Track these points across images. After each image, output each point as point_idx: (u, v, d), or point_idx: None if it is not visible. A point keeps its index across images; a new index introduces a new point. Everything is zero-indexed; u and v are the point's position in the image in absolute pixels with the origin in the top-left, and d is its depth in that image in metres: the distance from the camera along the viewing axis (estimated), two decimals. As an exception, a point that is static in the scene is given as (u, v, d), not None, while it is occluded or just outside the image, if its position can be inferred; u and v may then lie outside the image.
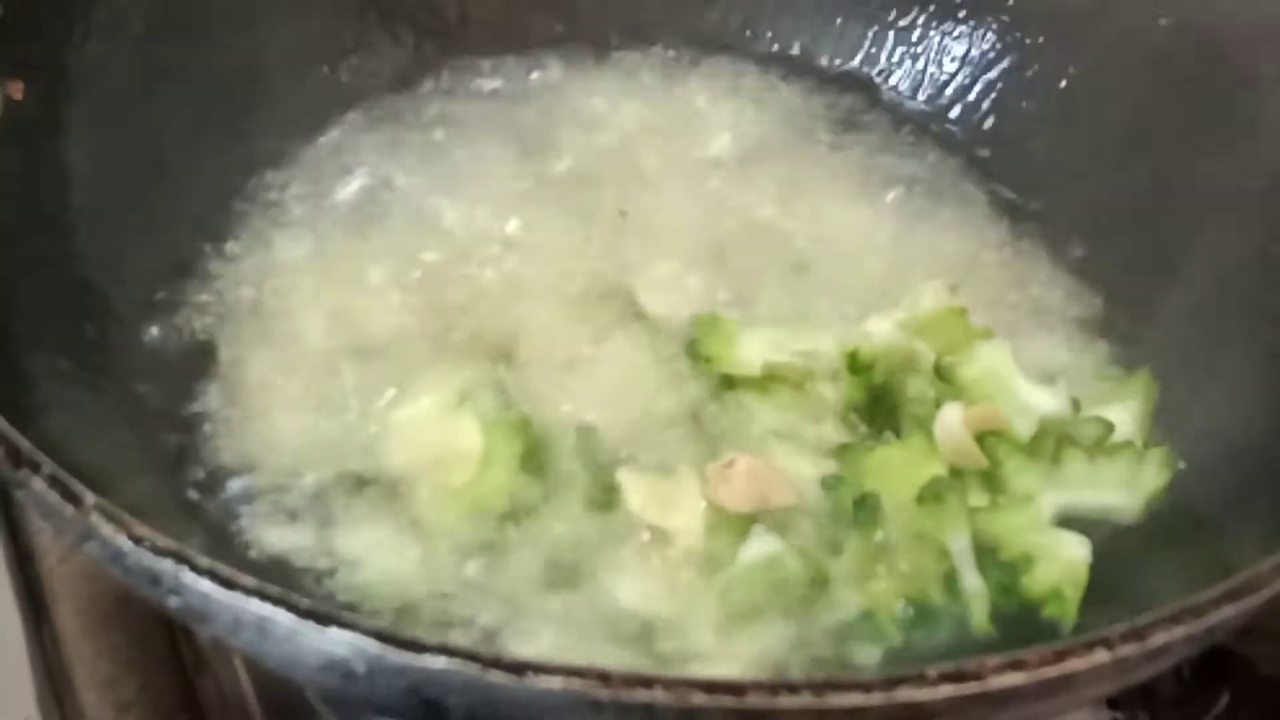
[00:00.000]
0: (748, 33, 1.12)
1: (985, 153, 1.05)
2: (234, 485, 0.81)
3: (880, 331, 0.87)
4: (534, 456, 0.82)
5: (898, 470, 0.80)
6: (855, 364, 0.85)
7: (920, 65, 1.09)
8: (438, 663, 0.54)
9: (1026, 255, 0.99)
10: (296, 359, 0.88)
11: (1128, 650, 0.57)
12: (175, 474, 0.81)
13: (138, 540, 0.58)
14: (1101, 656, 0.56)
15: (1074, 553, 0.77)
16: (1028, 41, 1.05)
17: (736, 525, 0.79)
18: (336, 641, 0.56)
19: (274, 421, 0.85)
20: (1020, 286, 0.97)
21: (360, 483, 0.82)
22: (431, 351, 0.89)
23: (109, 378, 0.81)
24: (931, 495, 0.78)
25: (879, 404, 0.85)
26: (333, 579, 0.78)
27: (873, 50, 1.10)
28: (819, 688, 0.55)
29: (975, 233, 1.00)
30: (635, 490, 0.81)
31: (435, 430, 0.84)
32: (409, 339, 0.90)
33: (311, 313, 0.91)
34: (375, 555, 0.79)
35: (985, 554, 0.77)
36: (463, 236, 0.96)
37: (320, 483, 0.82)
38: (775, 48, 1.12)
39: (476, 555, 0.79)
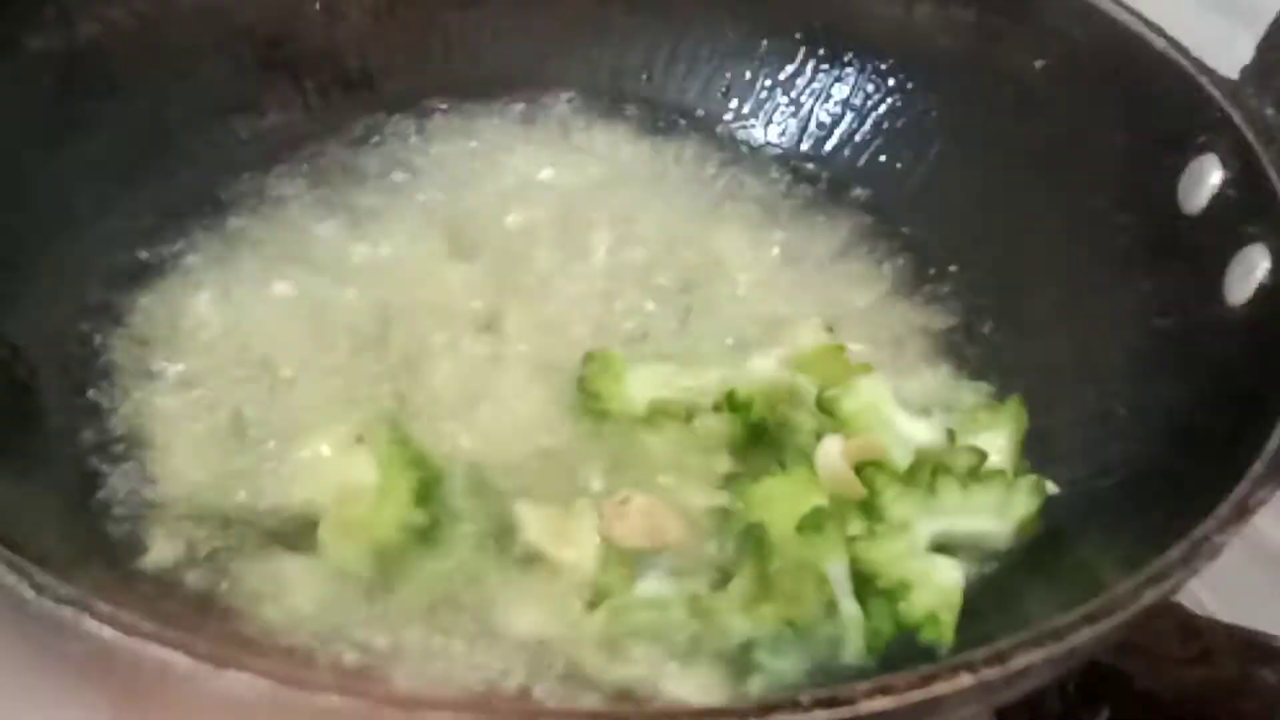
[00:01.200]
0: (643, 79, 1.16)
1: (862, 192, 1.09)
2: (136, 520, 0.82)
3: (762, 368, 0.91)
4: (428, 490, 0.83)
5: (782, 500, 0.83)
6: (734, 403, 0.88)
7: (803, 110, 1.13)
8: (331, 701, 0.56)
9: (901, 291, 1.03)
10: (201, 398, 0.90)
11: (990, 673, 0.60)
12: (79, 515, 0.82)
13: (39, 589, 0.59)
14: (966, 680, 0.59)
15: (948, 578, 0.79)
16: (908, 85, 1.10)
17: (629, 560, 0.82)
18: (235, 682, 0.57)
19: (177, 459, 0.86)
20: (895, 321, 1.01)
21: (262, 519, 0.83)
22: (332, 390, 0.91)
23: (13, 423, 0.82)
24: (811, 524, 0.80)
25: (758, 439, 0.88)
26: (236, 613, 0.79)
27: (759, 95, 1.14)
28: (696, 715, 0.57)
29: (853, 269, 1.04)
30: (532, 521, 0.83)
31: (334, 466, 0.85)
32: (311, 377, 0.92)
33: (217, 353, 0.92)
34: (279, 590, 0.80)
35: (865, 582, 0.79)
36: (368, 277, 0.99)
37: (224, 518, 0.83)
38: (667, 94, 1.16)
39: (373, 588, 0.80)
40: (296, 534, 0.83)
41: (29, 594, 0.60)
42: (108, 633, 0.58)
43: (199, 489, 0.85)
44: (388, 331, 0.95)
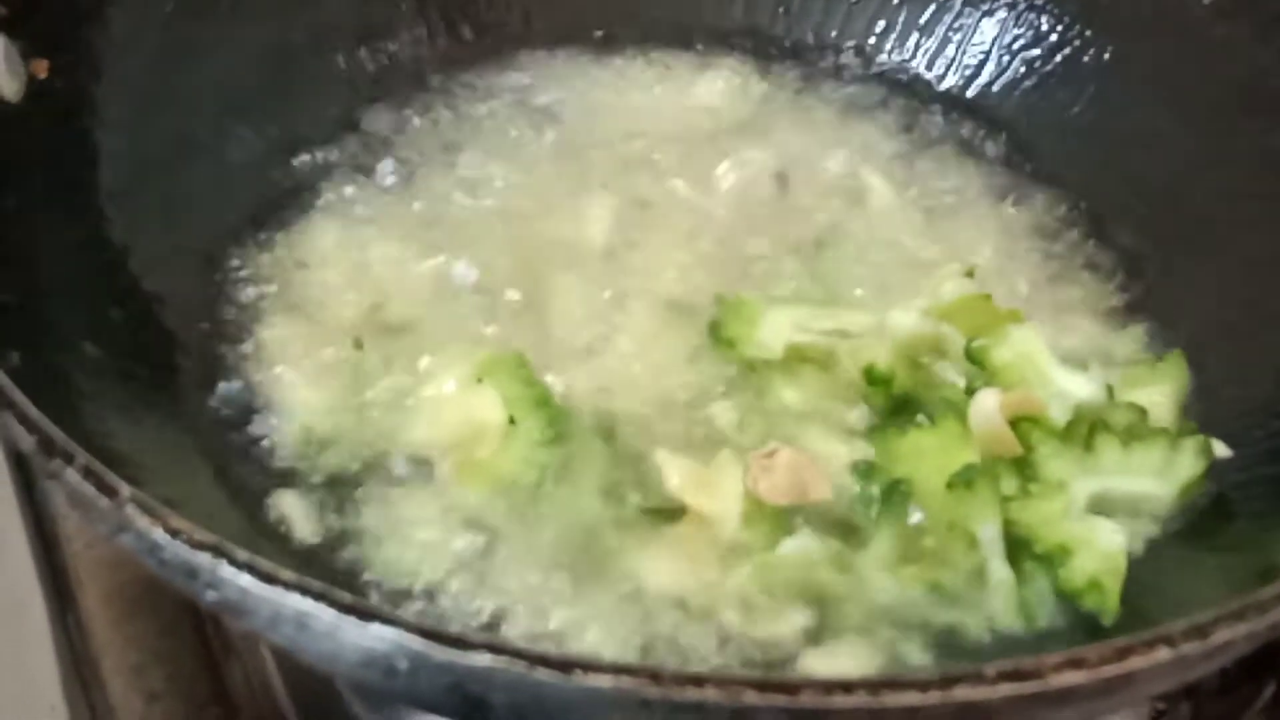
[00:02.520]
0: (779, 12, 1.11)
1: (1017, 135, 1.03)
2: (264, 462, 0.81)
3: (904, 323, 0.86)
4: (556, 431, 0.80)
5: (930, 455, 0.79)
6: (873, 377, 0.83)
7: (952, 50, 1.07)
8: (483, 660, 0.53)
9: (1058, 237, 0.97)
10: (325, 338, 0.87)
11: (1190, 648, 0.56)
12: (209, 457, 0.80)
13: (174, 533, 0.57)
14: (1163, 654, 0.55)
15: (1111, 542, 0.75)
16: (1064, 21, 1.04)
17: (774, 515, 0.78)
18: (378, 638, 0.54)
19: (303, 399, 0.84)
20: (1052, 269, 0.96)
21: (387, 459, 0.81)
22: (456, 327, 0.88)
23: (139, 363, 0.79)
24: (963, 482, 0.76)
25: (904, 407, 0.83)
26: (359, 556, 0.77)
27: (904, 31, 1.09)
28: (874, 686, 0.53)
29: (1004, 215, 0.99)
30: (673, 471, 0.79)
31: (459, 407, 0.83)
32: (436, 318, 0.89)
33: (340, 293, 0.90)
34: (400, 531, 0.78)
35: (1019, 545, 0.75)
36: (494, 214, 0.96)
37: (349, 459, 0.81)
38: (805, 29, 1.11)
39: (499, 531, 0.78)
40: (420, 475, 0.80)
41: (163, 538, 0.57)
42: (245, 580, 0.56)
43: (323, 427, 0.83)
44: (516, 272, 0.92)
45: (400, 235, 0.94)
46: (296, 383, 0.84)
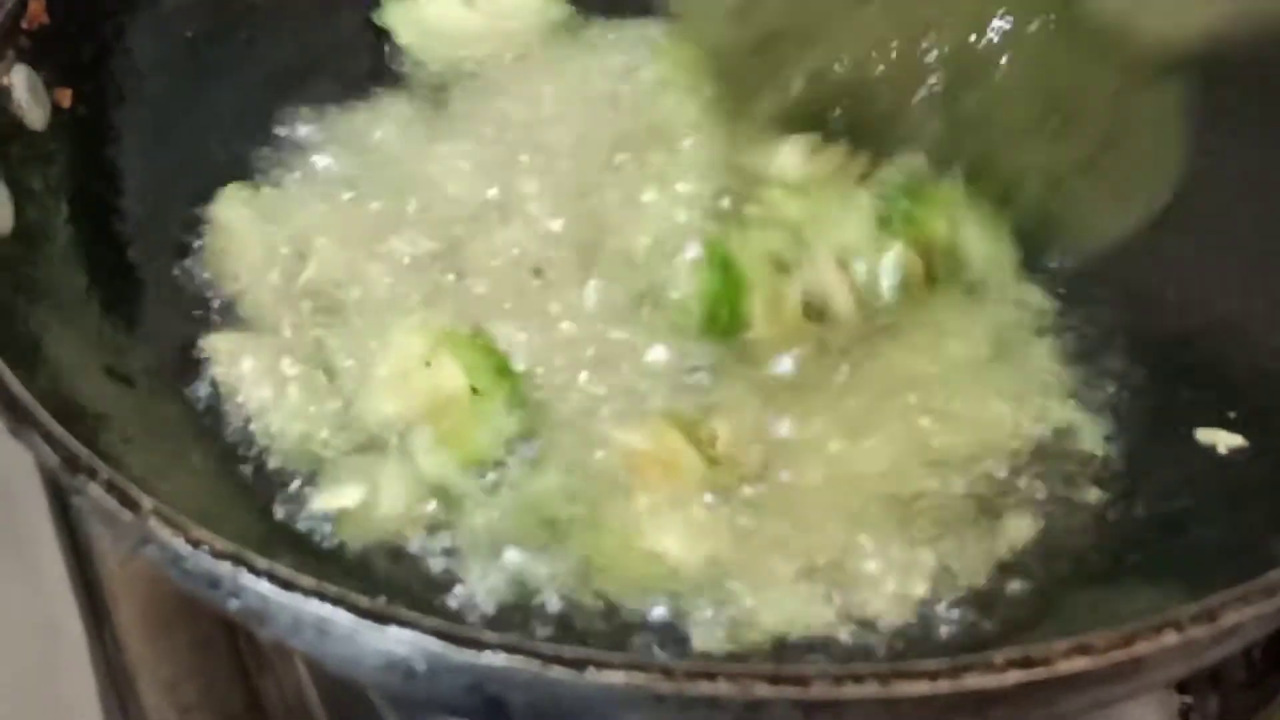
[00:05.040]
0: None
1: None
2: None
3: None
4: (518, 398, 0.81)
5: None
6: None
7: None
8: (499, 660, 0.54)
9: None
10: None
11: (1198, 632, 0.56)
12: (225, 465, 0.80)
13: (196, 544, 0.58)
14: (1171, 638, 0.55)
15: None
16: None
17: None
18: (397, 640, 0.55)
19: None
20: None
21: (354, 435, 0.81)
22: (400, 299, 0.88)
23: (160, 385, 0.81)
24: None
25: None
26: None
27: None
28: (885, 677, 0.54)
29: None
30: (628, 436, 0.80)
31: (423, 380, 0.82)
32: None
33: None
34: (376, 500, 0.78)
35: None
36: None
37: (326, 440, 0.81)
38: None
39: (471, 500, 0.78)
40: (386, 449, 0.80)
41: (185, 549, 0.59)
42: (265, 586, 0.57)
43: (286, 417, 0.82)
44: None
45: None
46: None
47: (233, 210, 0.89)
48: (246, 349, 0.84)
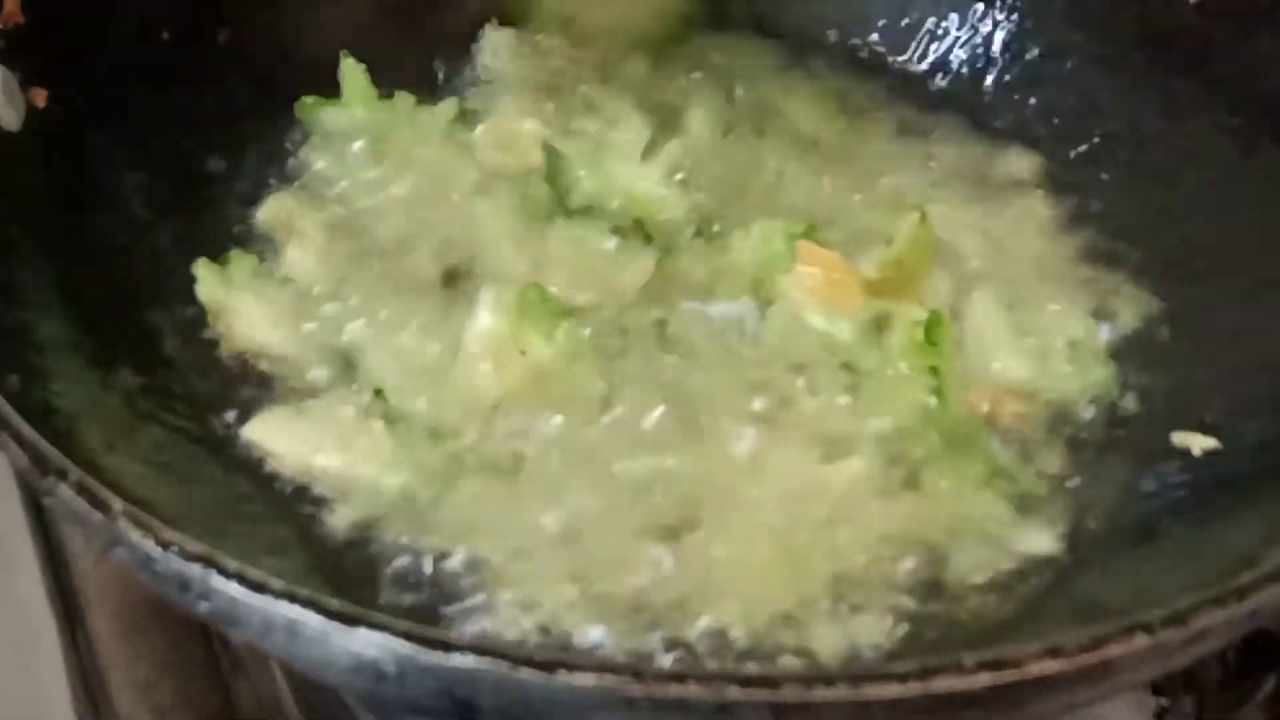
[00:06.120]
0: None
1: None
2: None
3: None
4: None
5: None
6: None
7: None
8: (467, 661, 0.54)
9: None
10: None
11: (1168, 635, 0.56)
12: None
13: (166, 545, 0.58)
14: (1141, 641, 0.55)
15: None
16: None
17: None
18: (365, 642, 0.55)
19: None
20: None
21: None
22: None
23: (141, 385, 0.80)
24: None
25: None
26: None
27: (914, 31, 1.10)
28: (855, 679, 0.54)
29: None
30: None
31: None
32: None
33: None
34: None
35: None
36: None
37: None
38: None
39: None
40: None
41: (155, 551, 0.58)
42: (235, 589, 0.57)
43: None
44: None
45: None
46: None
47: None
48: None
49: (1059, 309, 0.91)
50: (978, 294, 0.90)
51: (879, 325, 0.87)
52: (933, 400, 0.83)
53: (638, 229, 0.91)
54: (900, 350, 0.85)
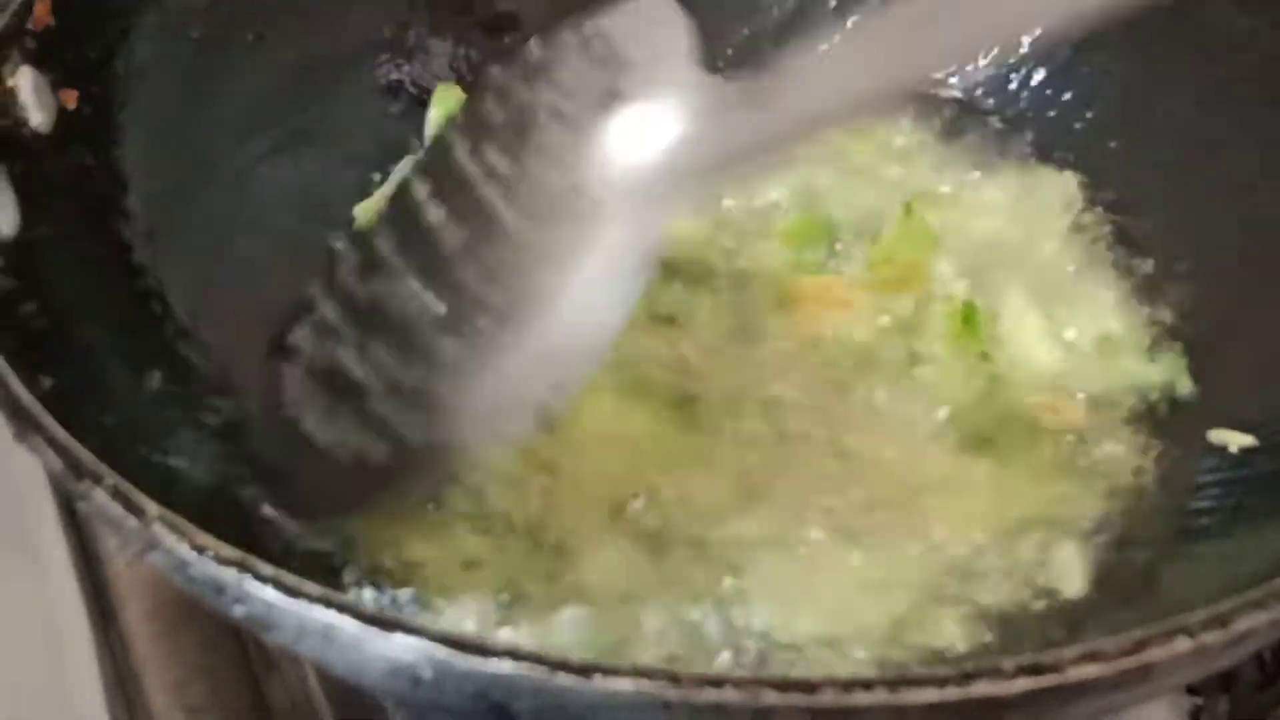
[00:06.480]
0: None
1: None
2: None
3: None
4: None
5: None
6: None
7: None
8: (504, 667, 0.54)
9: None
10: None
11: (1210, 638, 0.55)
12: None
13: (201, 550, 0.58)
14: (1183, 645, 0.55)
15: None
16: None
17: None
18: (402, 647, 0.55)
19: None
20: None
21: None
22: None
23: (170, 382, 0.80)
24: None
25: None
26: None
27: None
28: (893, 684, 0.54)
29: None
30: None
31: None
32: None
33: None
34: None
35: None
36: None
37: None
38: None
39: None
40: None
41: (190, 555, 0.58)
42: (270, 594, 0.57)
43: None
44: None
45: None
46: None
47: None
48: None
49: (1092, 303, 0.90)
50: (1008, 287, 0.90)
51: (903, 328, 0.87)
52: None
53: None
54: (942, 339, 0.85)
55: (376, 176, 0.97)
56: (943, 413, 0.84)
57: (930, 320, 0.88)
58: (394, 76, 1.02)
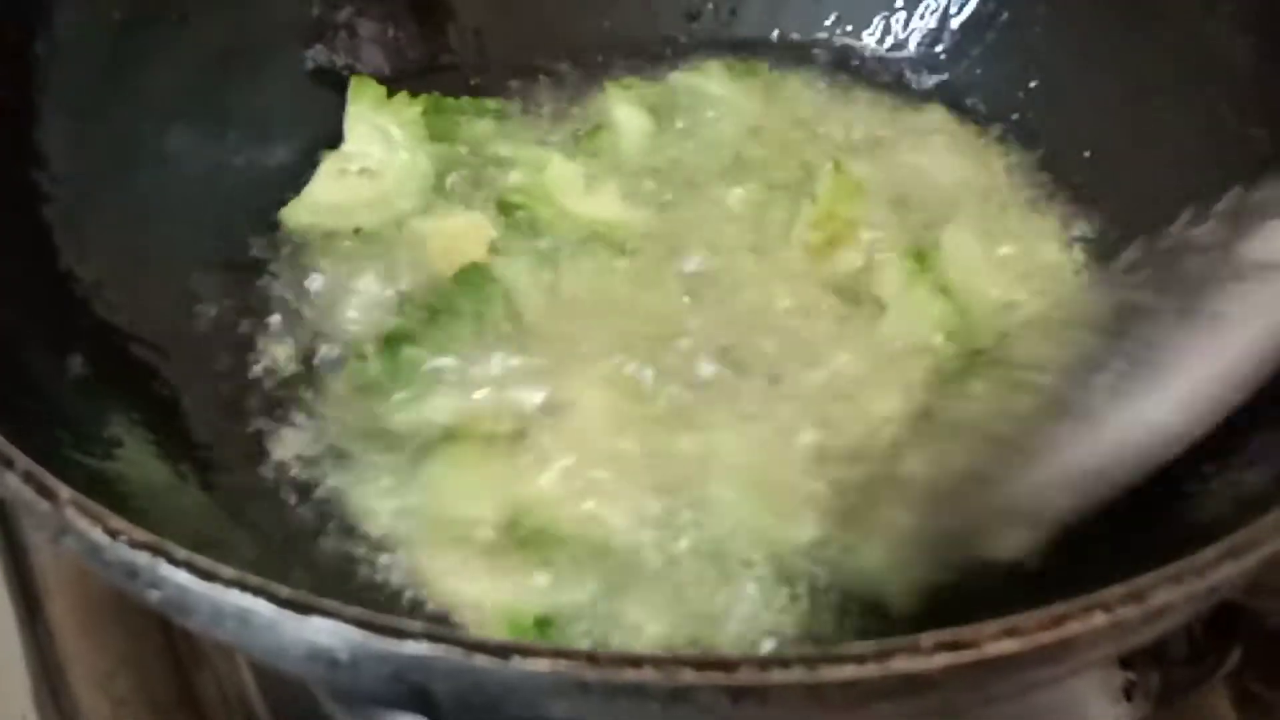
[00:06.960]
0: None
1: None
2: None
3: None
4: None
5: None
6: None
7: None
8: (421, 648, 0.53)
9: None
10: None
11: (1127, 612, 0.55)
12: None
13: (114, 534, 0.57)
14: (1100, 620, 0.55)
15: None
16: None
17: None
18: (318, 630, 0.54)
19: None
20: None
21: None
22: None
23: (92, 366, 0.79)
24: None
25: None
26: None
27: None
28: (812, 661, 0.53)
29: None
30: None
31: None
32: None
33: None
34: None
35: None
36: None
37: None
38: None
39: None
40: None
41: (103, 539, 0.58)
42: (183, 577, 0.56)
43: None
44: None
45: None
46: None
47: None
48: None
49: (1027, 235, 0.94)
50: (949, 230, 0.93)
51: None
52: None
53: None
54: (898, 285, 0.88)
55: (301, 162, 0.97)
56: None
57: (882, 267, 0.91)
58: (321, 60, 1.01)
